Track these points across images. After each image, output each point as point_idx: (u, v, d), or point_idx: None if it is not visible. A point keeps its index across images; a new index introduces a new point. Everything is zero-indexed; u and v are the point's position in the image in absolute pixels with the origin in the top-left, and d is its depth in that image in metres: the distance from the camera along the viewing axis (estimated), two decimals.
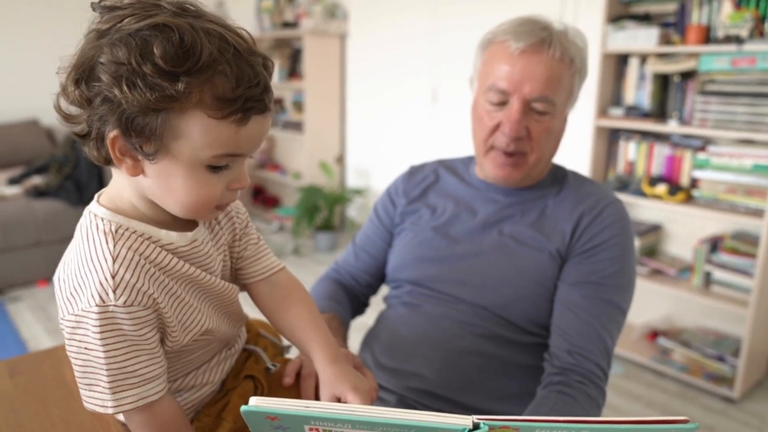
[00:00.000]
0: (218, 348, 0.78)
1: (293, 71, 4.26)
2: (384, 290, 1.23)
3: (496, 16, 1.07)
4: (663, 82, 2.44)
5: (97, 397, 0.63)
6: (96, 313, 0.59)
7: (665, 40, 2.34)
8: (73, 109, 0.60)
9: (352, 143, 4.20)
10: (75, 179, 3.56)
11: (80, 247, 0.63)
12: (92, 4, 0.58)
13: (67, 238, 0.71)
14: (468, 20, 3.19)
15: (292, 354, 0.92)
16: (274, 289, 0.80)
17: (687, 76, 2.36)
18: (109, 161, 0.61)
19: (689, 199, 2.38)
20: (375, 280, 1.23)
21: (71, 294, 0.61)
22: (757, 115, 2.12)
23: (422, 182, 1.21)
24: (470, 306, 1.04)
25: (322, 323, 0.79)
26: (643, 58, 2.45)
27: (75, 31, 0.59)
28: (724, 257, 2.30)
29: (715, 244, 2.36)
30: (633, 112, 2.47)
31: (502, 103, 1.03)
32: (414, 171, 1.24)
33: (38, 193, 3.52)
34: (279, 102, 4.51)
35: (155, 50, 0.54)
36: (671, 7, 2.39)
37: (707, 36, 2.22)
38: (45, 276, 3.36)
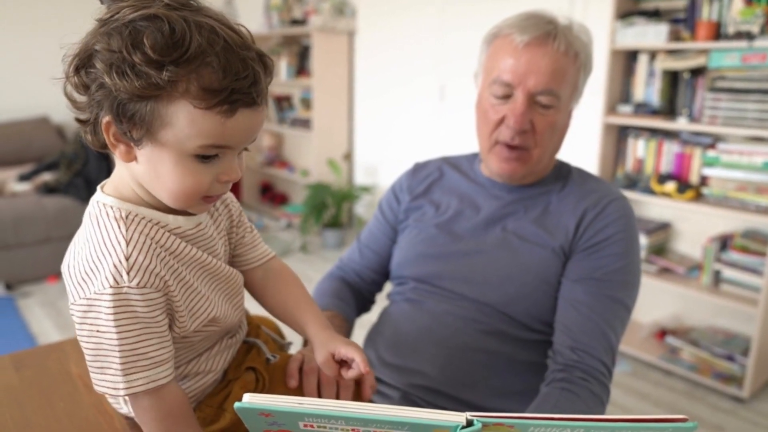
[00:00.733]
0: (220, 335, 0.79)
1: (301, 68, 4.27)
2: (388, 287, 1.23)
3: (504, 14, 1.07)
4: (672, 78, 2.42)
5: (108, 379, 0.63)
6: (110, 294, 0.61)
7: (675, 37, 2.32)
8: (77, 96, 0.62)
9: (360, 140, 4.20)
10: (84, 176, 3.58)
11: (91, 234, 0.64)
12: None
13: None
14: (476, 18, 3.18)
15: (293, 353, 0.92)
16: (267, 274, 0.84)
17: (697, 72, 2.33)
18: (104, 146, 0.64)
19: (699, 197, 2.36)
20: (380, 277, 1.23)
21: (82, 279, 0.63)
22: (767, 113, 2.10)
23: (426, 179, 1.20)
24: (473, 303, 1.04)
25: (312, 301, 0.84)
26: (653, 54, 2.43)
27: (85, 28, 0.60)
28: (733, 255, 2.28)
29: (724, 243, 2.34)
30: (642, 109, 2.45)
31: (507, 97, 1.02)
32: (418, 168, 1.24)
33: (48, 189, 3.55)
34: (287, 99, 4.52)
35: (145, 40, 0.56)
36: (681, 3, 2.37)
37: (717, 32, 2.20)
38: (55, 272, 3.39)
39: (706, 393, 2.32)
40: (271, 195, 4.83)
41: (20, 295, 3.21)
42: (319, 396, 0.82)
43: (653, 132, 2.52)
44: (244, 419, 0.53)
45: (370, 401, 1.01)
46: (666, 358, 2.45)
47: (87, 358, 0.64)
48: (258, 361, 0.82)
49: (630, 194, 2.43)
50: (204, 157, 0.62)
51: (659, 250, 2.57)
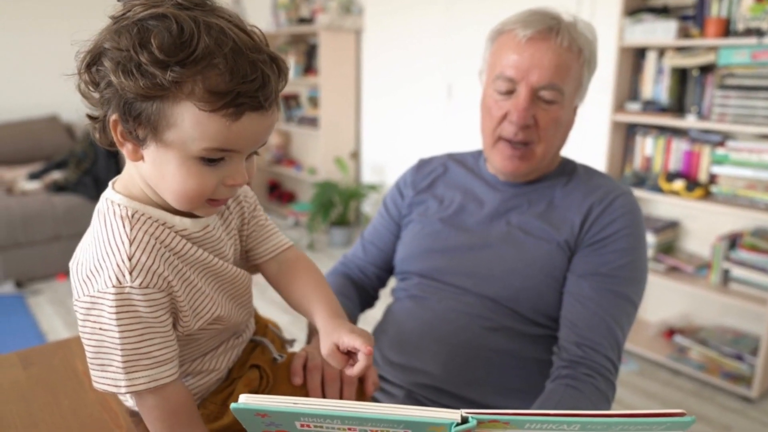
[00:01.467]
0: (226, 336, 0.79)
1: (309, 67, 4.27)
2: (392, 283, 1.23)
3: (511, 11, 1.07)
4: (681, 76, 2.40)
5: (109, 377, 0.64)
6: (113, 294, 0.61)
7: (684, 34, 2.30)
8: (90, 92, 0.62)
9: (367, 139, 4.20)
10: (93, 174, 3.61)
11: (98, 231, 0.65)
12: None
13: None
14: (483, 16, 3.17)
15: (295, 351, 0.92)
16: (282, 266, 0.83)
17: (706, 69, 2.31)
18: (113, 144, 0.64)
19: (707, 195, 2.34)
20: (383, 273, 1.23)
21: (87, 276, 0.63)
22: None
23: (430, 174, 1.20)
24: (478, 297, 1.04)
25: (326, 287, 0.81)
26: (661, 51, 2.42)
27: (97, 27, 0.61)
28: (742, 254, 2.26)
29: (733, 241, 2.32)
30: (650, 106, 2.43)
31: (510, 92, 1.02)
32: (423, 164, 1.24)
33: (58, 188, 3.57)
34: (294, 97, 4.52)
35: (153, 40, 0.55)
36: (690, 0, 2.35)
37: (727, 29, 2.18)
38: (64, 270, 3.42)
39: (714, 393, 2.31)
40: (279, 193, 4.84)
41: (30, 292, 3.24)
42: (323, 393, 0.82)
43: (662, 130, 2.51)
44: (241, 420, 0.53)
45: (374, 399, 1.01)
46: (674, 358, 2.44)
47: (88, 355, 0.64)
48: (262, 359, 0.82)
49: (638, 192, 2.42)
50: (209, 160, 0.61)
51: (667, 248, 2.55)
